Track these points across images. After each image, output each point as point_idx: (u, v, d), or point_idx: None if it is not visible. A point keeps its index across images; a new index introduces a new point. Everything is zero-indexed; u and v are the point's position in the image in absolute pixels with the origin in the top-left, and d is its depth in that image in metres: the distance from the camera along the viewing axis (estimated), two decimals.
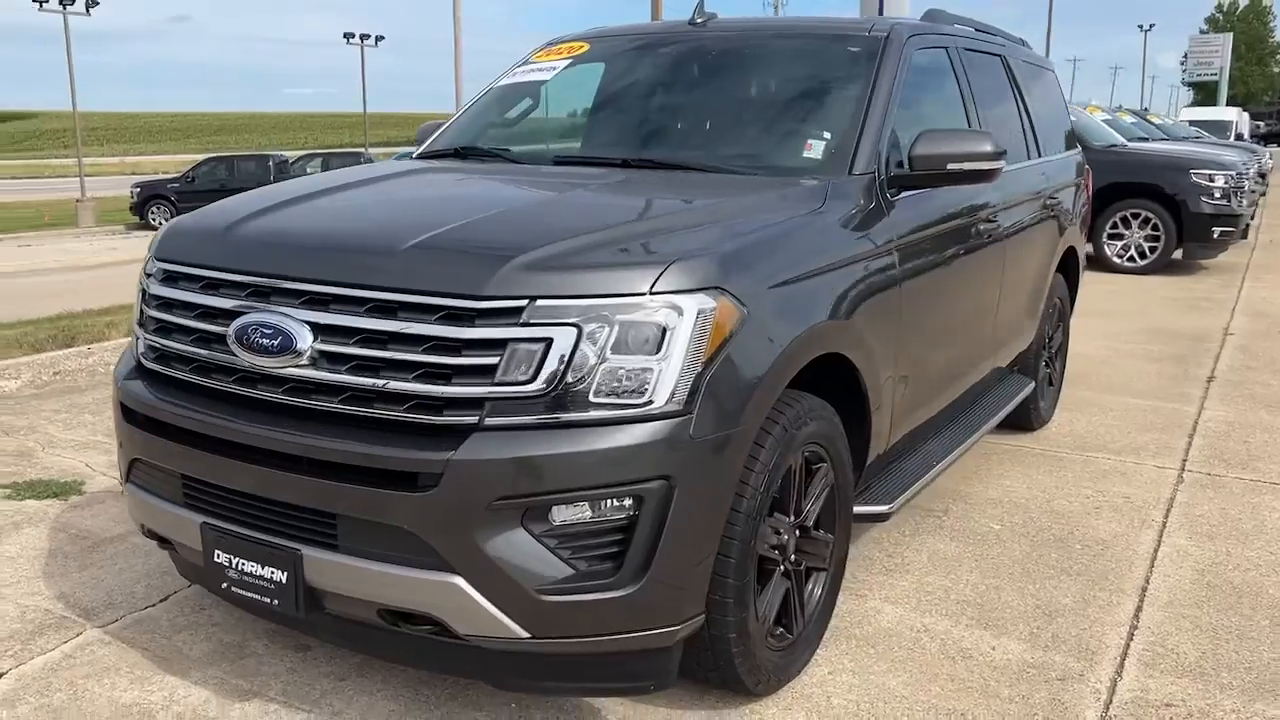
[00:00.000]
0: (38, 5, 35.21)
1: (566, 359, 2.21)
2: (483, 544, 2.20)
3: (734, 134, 3.54)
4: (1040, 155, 4.85)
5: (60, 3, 35.61)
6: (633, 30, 4.10)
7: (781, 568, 2.74)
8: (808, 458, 2.76)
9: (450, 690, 2.74)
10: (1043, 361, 5.12)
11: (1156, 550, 3.76)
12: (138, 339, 2.78)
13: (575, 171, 3.30)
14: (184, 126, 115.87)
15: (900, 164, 3.21)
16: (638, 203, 2.93)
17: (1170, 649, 3.05)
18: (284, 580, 2.40)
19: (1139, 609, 3.31)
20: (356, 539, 2.31)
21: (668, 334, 2.27)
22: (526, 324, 2.22)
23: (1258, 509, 4.18)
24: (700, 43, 3.81)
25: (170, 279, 2.68)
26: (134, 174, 47.52)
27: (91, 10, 35.85)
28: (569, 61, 3.96)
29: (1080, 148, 5.84)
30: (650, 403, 2.25)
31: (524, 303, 2.23)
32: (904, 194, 3.26)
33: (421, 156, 3.85)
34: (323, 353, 2.34)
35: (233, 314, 2.47)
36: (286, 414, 2.40)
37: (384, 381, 2.27)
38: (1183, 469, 4.67)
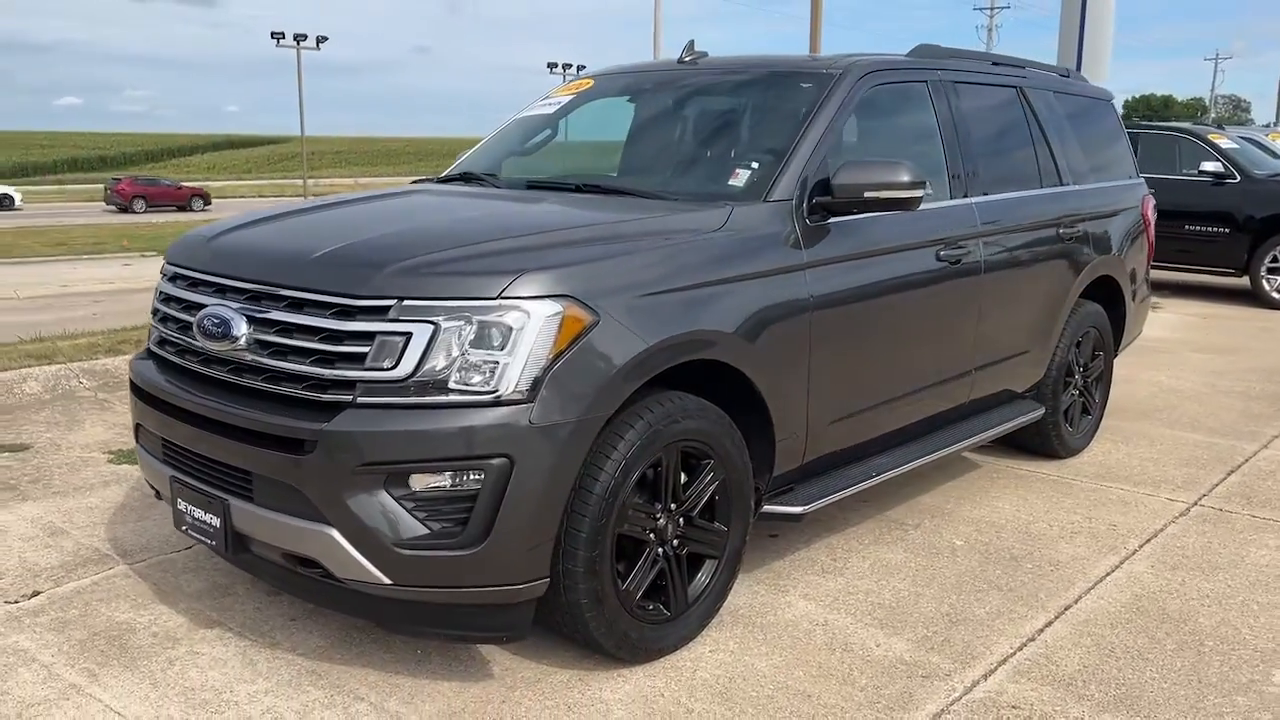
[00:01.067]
0: (275, 42, 39.11)
1: (424, 351, 2.65)
2: (350, 502, 2.67)
3: (679, 164, 3.90)
4: (1063, 183, 4.90)
5: (295, 39, 39.45)
6: (631, 69, 4.51)
7: (660, 550, 3.06)
8: (687, 452, 3.07)
9: (374, 636, 3.21)
10: (1068, 390, 5.13)
11: (1108, 575, 3.81)
12: (151, 329, 3.42)
13: (527, 194, 3.77)
14: (418, 150, 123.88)
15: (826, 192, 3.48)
16: (541, 221, 3.35)
17: (1053, 661, 3.16)
18: (218, 525, 2.95)
19: (1048, 624, 3.41)
20: (265, 493, 2.82)
21: (513, 334, 2.68)
22: (393, 320, 2.68)
23: (1246, 545, 4.12)
24: (678, 80, 4.19)
25: (172, 278, 3.30)
26: None
27: (321, 45, 39.46)
28: (573, 97, 4.42)
29: (1140, 176, 5.78)
30: (496, 391, 2.66)
31: (392, 302, 2.69)
32: (835, 220, 3.52)
33: (441, 180, 4.39)
34: (253, 339, 2.88)
35: (200, 306, 3.05)
36: (227, 389, 2.95)
37: (290, 364, 2.78)
38: (1195, 503, 4.60)
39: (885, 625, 3.36)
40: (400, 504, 2.68)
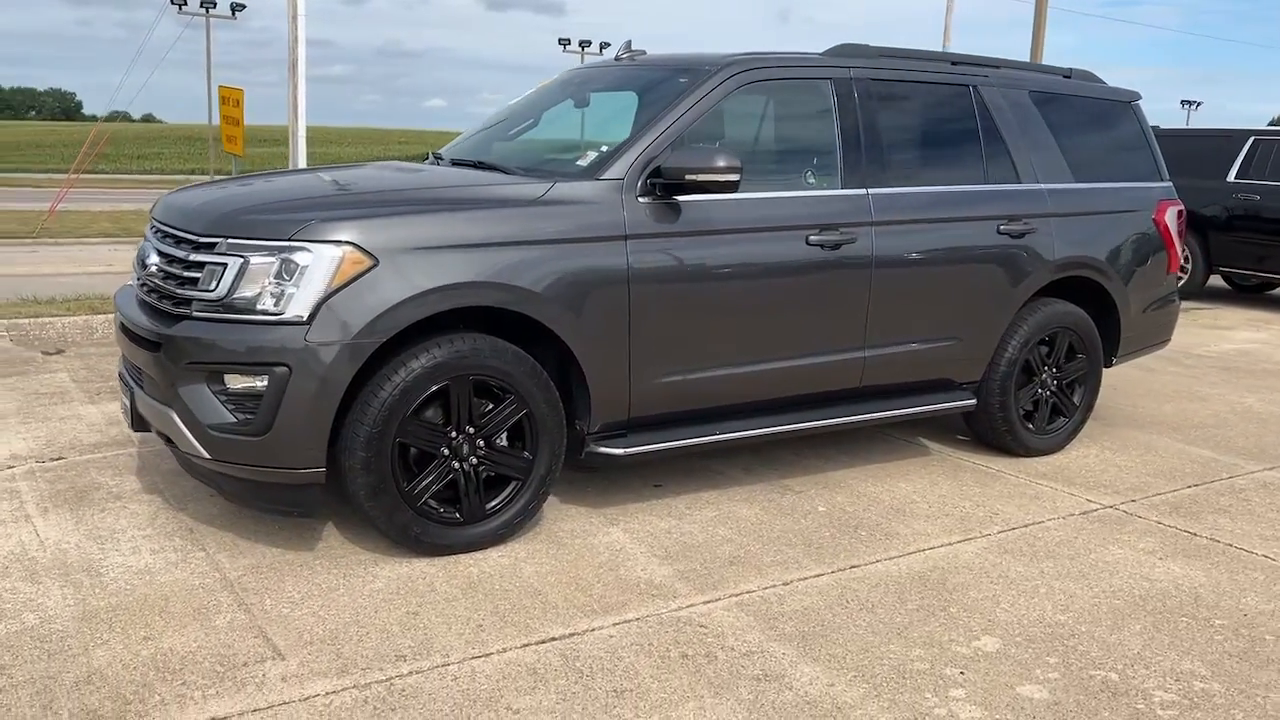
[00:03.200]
0: (599, 50, 42.33)
1: (234, 278, 3.44)
2: (182, 391, 3.51)
3: (557, 148, 4.46)
4: (1020, 182, 4.97)
5: (627, 46, 42.45)
6: (583, 66, 5.11)
7: (455, 464, 3.69)
8: (484, 385, 3.68)
9: (252, 514, 4.06)
10: (1026, 389, 5.15)
11: (929, 549, 3.99)
12: None
13: (433, 168, 4.52)
14: None
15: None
16: (384, 186, 4.08)
17: (782, 601, 3.48)
18: (128, 407, 3.91)
19: (817, 576, 3.70)
20: (148, 383, 3.74)
21: (300, 269, 3.41)
22: (218, 254, 3.50)
23: (1112, 543, 4.11)
24: (603, 75, 4.76)
25: (150, 227, 4.32)
26: None
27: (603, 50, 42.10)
28: (535, 90, 5.10)
29: (1164, 181, 5.62)
30: (283, 314, 3.41)
31: (218, 240, 3.52)
32: (685, 199, 3.98)
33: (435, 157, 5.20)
34: (159, 267, 3.80)
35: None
36: (144, 307, 3.90)
37: (164, 285, 3.67)
38: (1111, 506, 4.57)
39: (668, 558, 3.79)
40: (215, 396, 3.49)
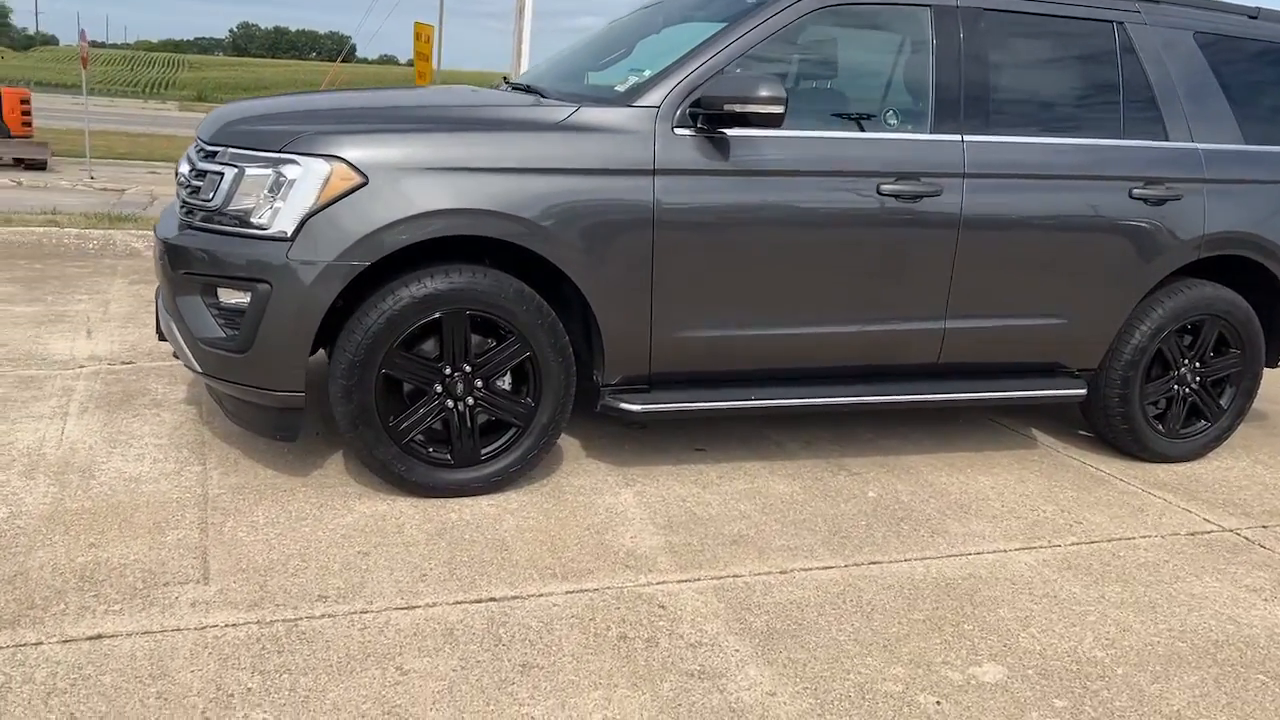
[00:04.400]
0: None
1: (229, 188, 3.33)
2: (180, 300, 3.45)
3: (606, 71, 4.09)
4: (1169, 138, 4.22)
5: None
6: None
7: (449, 403, 3.48)
8: (477, 320, 3.43)
9: (283, 444, 4.00)
10: (1160, 382, 4.42)
11: (972, 554, 3.46)
12: None
13: (469, 90, 4.25)
14: None
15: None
16: (403, 103, 3.85)
17: (755, 593, 3.08)
18: (154, 317, 3.91)
19: (824, 569, 3.26)
20: (161, 293, 3.72)
21: (288, 183, 3.25)
22: (219, 162, 3.40)
23: (1209, 577, 3.43)
24: (677, 4, 4.35)
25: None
26: None
27: None
28: (632, 14, 4.78)
29: None
30: (268, 228, 3.28)
31: (219, 149, 3.41)
32: (734, 133, 3.57)
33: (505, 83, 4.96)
34: (184, 176, 3.76)
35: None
36: (174, 217, 3.88)
37: (184, 195, 3.62)
38: (1232, 531, 3.84)
39: (667, 528, 3.44)
40: (208, 309, 3.41)
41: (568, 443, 4.13)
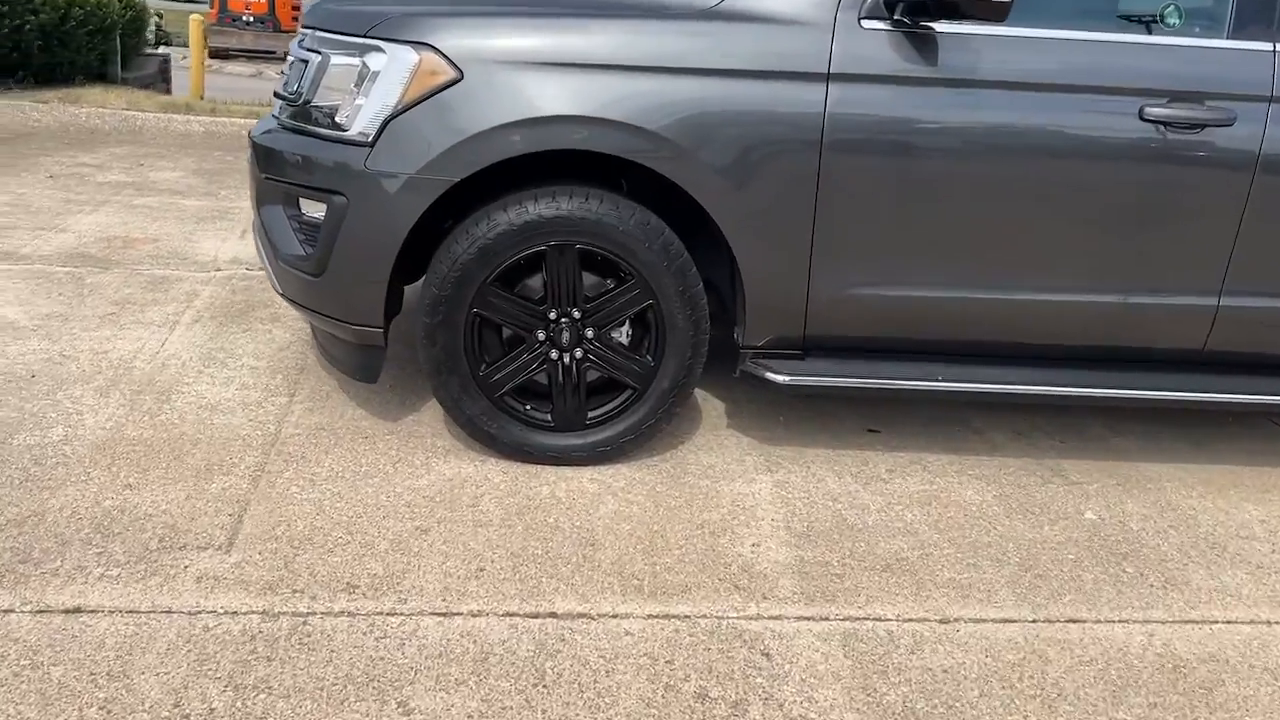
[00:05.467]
0: None
1: (312, 79, 2.81)
2: (263, 210, 3.00)
3: None
4: None
5: None
6: None
7: (553, 354, 2.87)
8: (590, 256, 2.79)
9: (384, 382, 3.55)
10: None
11: (1210, 623, 2.54)
12: None
13: None
14: None
15: None
16: None
17: (907, 645, 2.31)
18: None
19: (990, 622, 2.45)
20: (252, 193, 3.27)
21: (371, 75, 2.69)
22: (304, 47, 2.88)
23: None
24: None
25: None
26: None
27: None
28: None
29: None
30: (347, 130, 2.74)
31: (307, 33, 2.88)
32: (945, 30, 2.71)
33: None
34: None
35: None
36: None
37: (280, 86, 3.14)
38: None
39: (803, 538, 2.71)
40: (290, 221, 2.94)
41: (709, 405, 3.44)
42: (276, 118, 3.00)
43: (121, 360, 3.39)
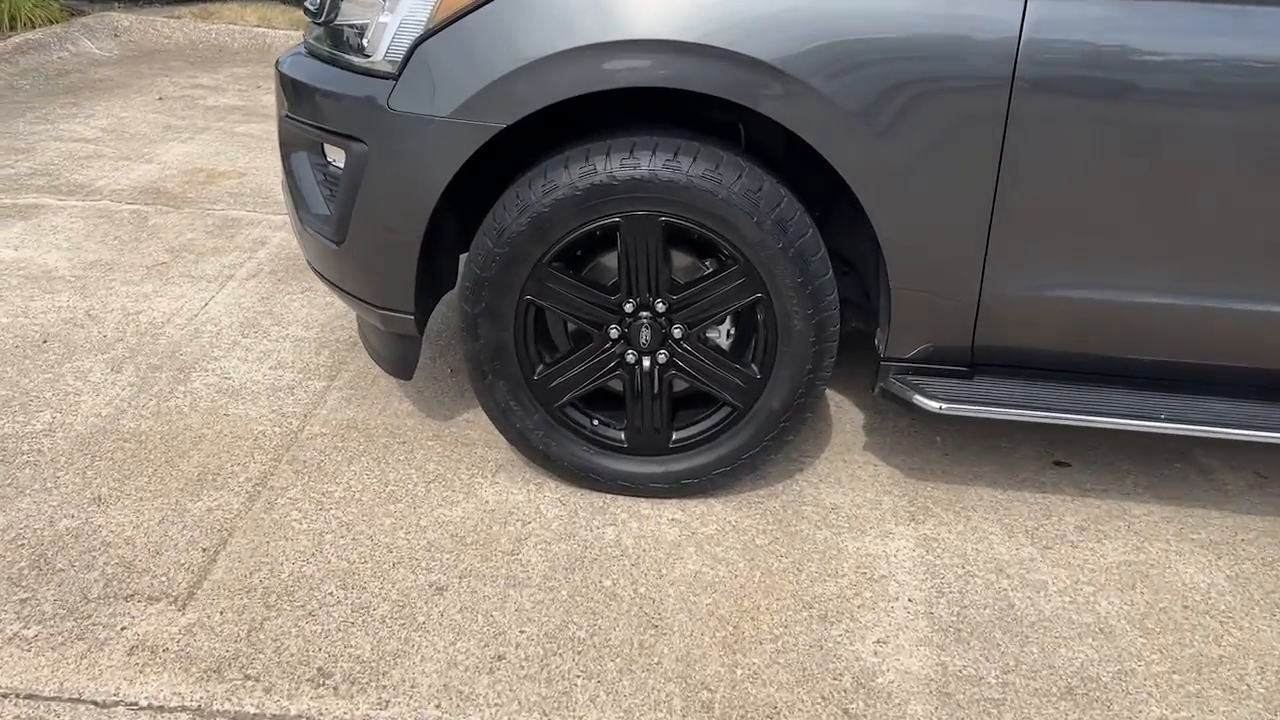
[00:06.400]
0: None
1: None
2: (291, 158, 2.41)
3: None
4: None
5: None
6: None
7: (629, 356, 2.20)
8: (680, 232, 2.08)
9: (423, 371, 2.97)
10: None
11: None
12: None
13: None
14: None
15: None
16: None
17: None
18: None
19: None
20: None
21: None
22: None
23: None
24: None
25: None
26: None
27: None
28: None
29: None
30: (369, 56, 2.10)
31: None
32: None
33: None
34: None
35: None
36: None
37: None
38: None
39: (951, 635, 1.97)
40: (314, 171, 2.34)
41: (842, 415, 2.70)
42: (306, 41, 2.39)
43: (151, 325, 2.92)
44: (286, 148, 2.39)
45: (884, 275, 2.09)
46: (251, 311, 3.04)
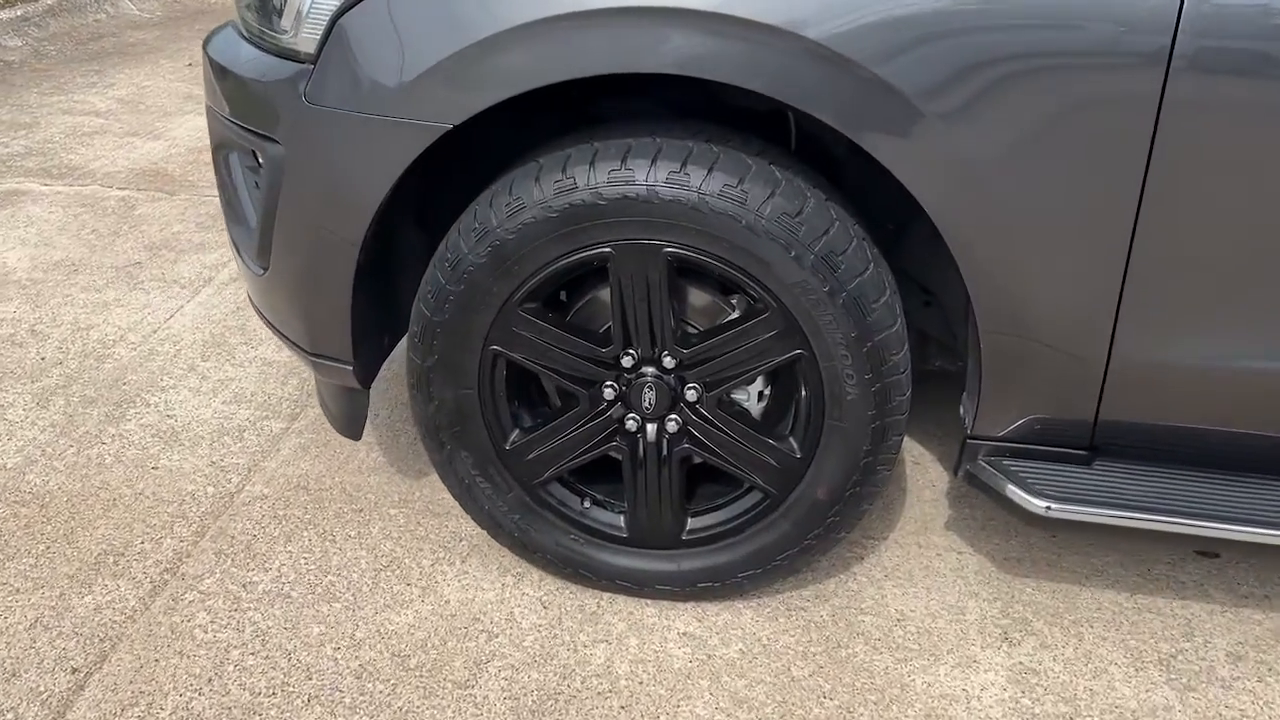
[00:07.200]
0: None
1: None
2: (224, 160, 1.93)
3: None
4: None
5: None
6: None
7: (630, 422, 1.67)
8: (693, 268, 1.54)
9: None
10: None
11: None
12: None
13: None
14: None
15: None
16: None
17: None
18: None
19: None
20: None
21: None
22: None
23: None
24: None
25: None
26: None
27: None
28: None
29: None
30: (285, 32, 1.59)
31: None
32: None
33: None
34: None
35: None
36: None
37: None
38: None
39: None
40: (249, 179, 1.86)
41: (919, 475, 2.13)
42: (237, 11, 1.89)
43: (100, 343, 2.49)
44: (217, 148, 1.91)
45: (973, 325, 1.52)
46: (221, 326, 2.60)
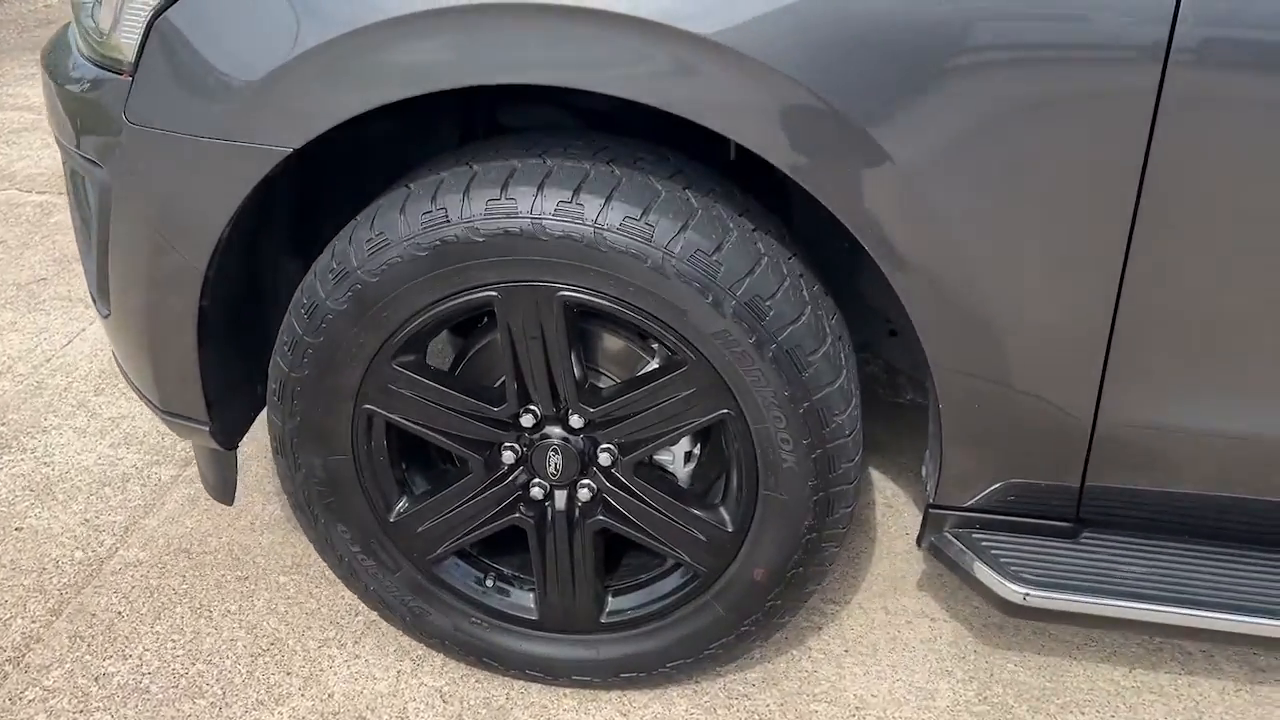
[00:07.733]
0: None
1: None
2: (77, 185, 1.66)
3: None
4: None
5: None
6: None
7: (533, 490, 1.41)
8: (596, 316, 1.27)
9: None
10: None
11: None
12: None
13: None
14: None
15: None
16: None
17: None
18: None
19: None
20: None
21: None
22: None
23: None
24: None
25: None
26: None
27: None
28: None
29: None
30: (105, 35, 1.33)
31: None
32: None
33: None
34: None
35: None
36: None
37: None
38: None
39: None
40: (83, 208, 1.59)
41: (889, 521, 1.87)
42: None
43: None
44: (68, 170, 1.64)
45: (930, 386, 1.25)
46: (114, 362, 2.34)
